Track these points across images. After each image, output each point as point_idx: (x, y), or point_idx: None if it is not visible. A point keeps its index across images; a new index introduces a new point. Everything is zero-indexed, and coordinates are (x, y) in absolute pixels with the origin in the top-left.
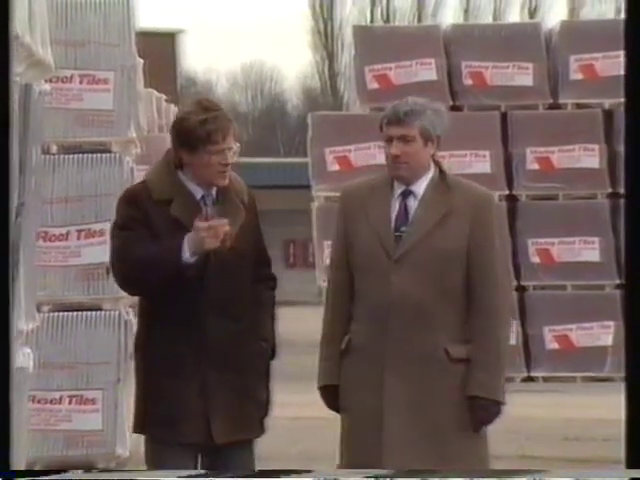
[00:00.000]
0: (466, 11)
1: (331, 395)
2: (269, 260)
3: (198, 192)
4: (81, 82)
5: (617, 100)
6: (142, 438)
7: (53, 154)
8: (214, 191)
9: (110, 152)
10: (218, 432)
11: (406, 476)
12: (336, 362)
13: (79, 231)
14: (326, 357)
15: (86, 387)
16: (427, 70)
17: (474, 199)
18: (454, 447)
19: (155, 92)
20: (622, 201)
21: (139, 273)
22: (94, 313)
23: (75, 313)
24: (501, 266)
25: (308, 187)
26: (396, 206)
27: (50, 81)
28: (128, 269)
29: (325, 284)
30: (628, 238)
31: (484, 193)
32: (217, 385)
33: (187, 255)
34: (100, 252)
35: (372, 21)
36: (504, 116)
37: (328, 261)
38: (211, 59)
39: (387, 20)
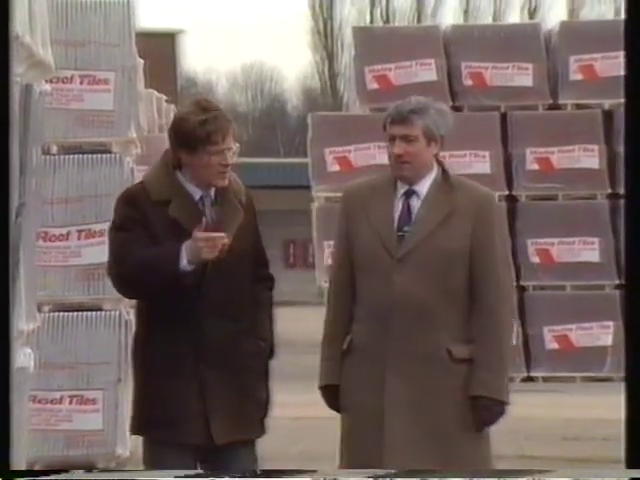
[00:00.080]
0: (466, 12)
1: (332, 395)
2: (267, 260)
3: (197, 193)
4: (81, 82)
5: (617, 100)
6: (141, 439)
7: (53, 154)
8: (212, 192)
9: (110, 152)
10: (218, 432)
11: (406, 476)
12: (337, 362)
13: (79, 231)
14: (327, 357)
15: (86, 387)
16: (427, 71)
17: (477, 199)
18: (456, 447)
19: (155, 92)
20: (622, 201)
21: (136, 277)
22: (94, 313)
23: (75, 313)
24: (503, 266)
25: (308, 187)
26: (399, 206)
27: (50, 81)
28: (125, 272)
29: (325, 284)
30: (628, 238)
31: (486, 193)
32: (216, 385)
33: (185, 263)
34: (100, 252)
35: (372, 21)
36: (504, 116)
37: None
38: (211, 59)
39: (387, 21)
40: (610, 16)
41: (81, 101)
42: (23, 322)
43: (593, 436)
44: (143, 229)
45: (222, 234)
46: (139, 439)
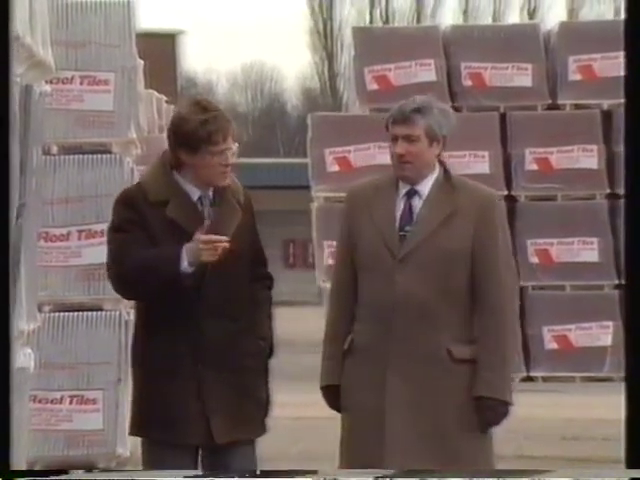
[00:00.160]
0: (465, 12)
1: (333, 395)
2: (266, 260)
3: (195, 193)
4: (81, 83)
5: (616, 101)
6: (140, 439)
7: (54, 155)
8: (211, 192)
9: (110, 153)
10: (219, 432)
11: (406, 476)
12: (339, 362)
13: (80, 231)
14: (329, 357)
15: (87, 387)
16: (426, 71)
17: (479, 199)
18: (457, 448)
19: (155, 93)
20: (621, 202)
21: (135, 278)
22: (95, 313)
23: (76, 313)
24: (506, 266)
25: (308, 187)
26: (401, 206)
27: (51, 82)
28: (124, 273)
29: (324, 284)
30: (628, 238)
31: (489, 193)
32: (216, 385)
33: (185, 264)
34: (101, 252)
35: (371, 22)
36: (503, 117)
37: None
38: (211, 60)
39: (386, 21)
40: (610, 16)
41: (81, 101)
42: (24, 322)
43: (593, 436)
44: (141, 230)
45: (224, 237)
46: (139, 439)
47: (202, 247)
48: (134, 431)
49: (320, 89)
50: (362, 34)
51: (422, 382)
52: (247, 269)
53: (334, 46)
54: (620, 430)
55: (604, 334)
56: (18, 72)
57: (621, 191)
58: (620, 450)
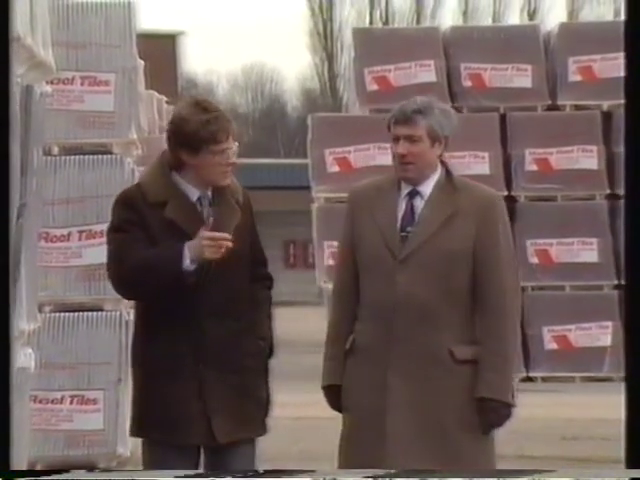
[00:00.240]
0: (465, 13)
1: (335, 395)
2: (266, 260)
3: (194, 194)
4: (82, 84)
5: (615, 101)
6: (141, 440)
7: (54, 155)
8: (210, 192)
9: (111, 153)
10: (220, 432)
11: (406, 476)
12: (340, 362)
13: (80, 232)
14: (330, 357)
15: (87, 387)
16: (426, 72)
17: (480, 200)
18: (458, 448)
19: (156, 94)
20: (620, 202)
21: (136, 278)
22: (95, 313)
23: (76, 313)
24: (507, 267)
25: (308, 188)
26: (402, 206)
27: (51, 83)
28: (125, 272)
29: (325, 284)
30: (627, 239)
31: (491, 194)
32: (216, 385)
33: (187, 262)
34: (101, 253)
35: (371, 23)
36: (503, 117)
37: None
38: (212, 61)
39: (386, 22)
40: (610, 17)
41: (82, 102)
42: (24, 322)
43: (593, 436)
44: (141, 231)
45: (227, 235)
46: (139, 439)
47: (205, 244)
48: (135, 432)
49: (320, 90)
50: (362, 35)
51: (423, 382)
52: (247, 269)
53: (334, 47)
54: (620, 430)
55: (603, 334)
56: (19, 73)
57: (621, 192)
58: (620, 450)
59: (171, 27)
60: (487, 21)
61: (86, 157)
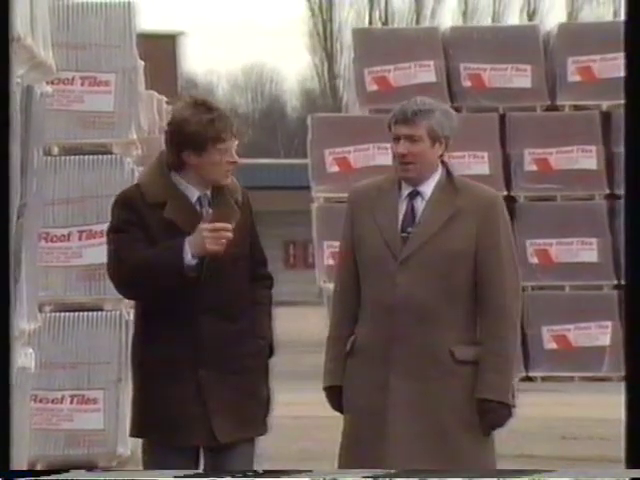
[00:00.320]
0: (464, 13)
1: (336, 396)
2: (265, 259)
3: (193, 194)
4: (82, 84)
5: (615, 102)
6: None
7: (54, 155)
8: (209, 192)
9: (111, 153)
10: (221, 432)
11: (406, 476)
12: (341, 363)
13: (80, 232)
14: (331, 358)
15: (88, 387)
16: (426, 72)
17: (481, 201)
18: (459, 449)
19: (156, 94)
20: (620, 202)
21: (137, 276)
22: (95, 313)
23: (77, 313)
24: (509, 268)
25: (308, 188)
26: (403, 207)
27: (52, 83)
28: (126, 273)
29: (325, 284)
30: (627, 239)
31: (491, 194)
32: (217, 385)
33: (189, 257)
34: (101, 253)
35: (370, 23)
36: (502, 117)
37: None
38: (212, 61)
39: (385, 22)
40: (609, 18)
41: (82, 102)
42: (24, 322)
43: (592, 435)
44: (141, 231)
45: (228, 225)
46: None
47: (207, 235)
48: (135, 432)
49: (320, 90)
50: (362, 35)
51: (424, 383)
52: (247, 269)
53: (334, 47)
54: (620, 430)
55: (603, 334)
56: (19, 73)
57: (620, 192)
58: (620, 450)
59: (171, 27)
60: (487, 21)
61: (86, 157)
